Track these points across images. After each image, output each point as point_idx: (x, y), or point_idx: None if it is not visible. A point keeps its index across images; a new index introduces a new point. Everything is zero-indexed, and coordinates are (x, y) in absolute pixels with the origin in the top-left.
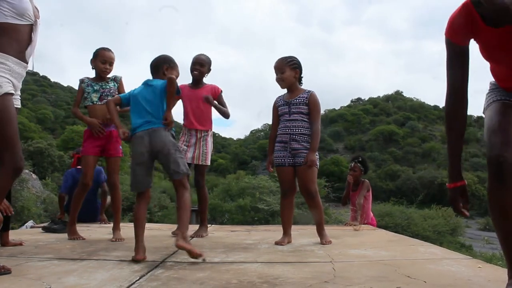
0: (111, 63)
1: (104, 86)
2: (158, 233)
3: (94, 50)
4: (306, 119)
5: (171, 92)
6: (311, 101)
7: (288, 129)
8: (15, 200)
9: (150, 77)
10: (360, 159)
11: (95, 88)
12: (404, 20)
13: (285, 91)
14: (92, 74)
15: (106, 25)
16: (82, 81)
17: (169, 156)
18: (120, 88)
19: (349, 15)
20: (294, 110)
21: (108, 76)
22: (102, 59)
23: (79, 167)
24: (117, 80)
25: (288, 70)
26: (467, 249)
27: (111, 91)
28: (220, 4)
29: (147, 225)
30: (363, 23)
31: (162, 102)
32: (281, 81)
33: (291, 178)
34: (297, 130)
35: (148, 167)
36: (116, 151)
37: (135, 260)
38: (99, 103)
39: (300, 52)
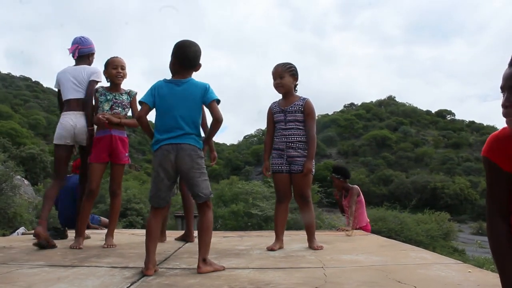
0: (122, 67)
1: (117, 97)
2: None
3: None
4: (301, 127)
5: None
6: (307, 109)
7: (284, 137)
8: (7, 207)
9: (146, 81)
10: (333, 169)
11: (108, 97)
12: (396, 25)
13: (280, 96)
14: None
15: (98, 30)
16: (96, 91)
17: (192, 180)
18: (132, 103)
19: (342, 20)
20: (289, 118)
21: (124, 88)
22: (113, 65)
23: (69, 175)
24: (131, 94)
25: (287, 76)
26: (460, 254)
27: (123, 103)
28: (213, 8)
29: (141, 231)
30: (355, 29)
31: (199, 110)
32: (280, 86)
33: (287, 185)
34: (293, 138)
35: (172, 182)
36: (119, 159)
37: (145, 275)
38: (109, 112)
39: (293, 57)
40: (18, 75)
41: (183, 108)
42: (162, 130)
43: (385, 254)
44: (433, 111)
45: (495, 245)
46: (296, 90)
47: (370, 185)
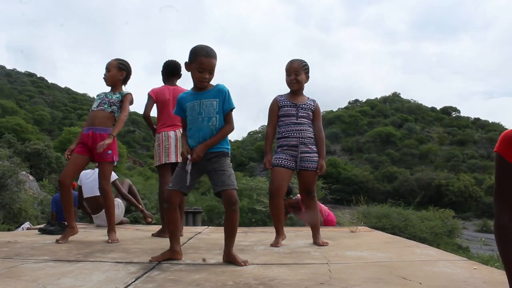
0: (107, 69)
1: (108, 96)
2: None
3: (90, 51)
4: (311, 125)
5: None
6: (317, 109)
7: (297, 133)
8: (13, 202)
9: (148, 78)
10: None
11: (100, 96)
12: (401, 20)
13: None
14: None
15: (101, 25)
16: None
17: None
18: (123, 103)
19: (347, 16)
20: (302, 114)
21: (123, 88)
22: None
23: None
24: (122, 94)
25: (303, 73)
26: (464, 251)
27: (110, 101)
28: (217, 3)
29: (145, 227)
30: (360, 24)
31: None
32: (295, 82)
33: (286, 180)
34: (305, 134)
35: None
36: (100, 156)
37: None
38: (95, 109)
39: (297, 52)
40: (23, 71)
41: None
42: None
43: (390, 250)
44: (438, 108)
45: (501, 241)
46: (303, 88)
47: (375, 182)
